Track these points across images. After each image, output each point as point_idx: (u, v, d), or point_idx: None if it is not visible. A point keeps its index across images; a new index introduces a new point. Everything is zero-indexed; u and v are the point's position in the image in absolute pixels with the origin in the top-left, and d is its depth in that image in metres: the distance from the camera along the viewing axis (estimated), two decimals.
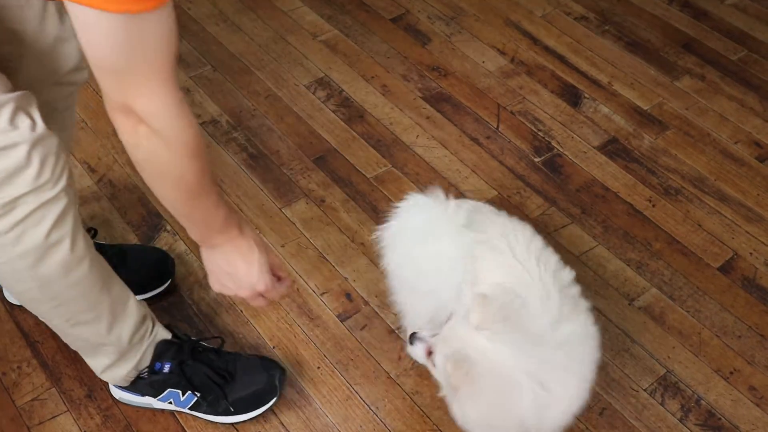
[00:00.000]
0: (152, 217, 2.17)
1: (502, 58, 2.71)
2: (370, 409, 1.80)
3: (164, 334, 1.72)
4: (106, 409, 1.78)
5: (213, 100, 2.52)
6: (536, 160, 2.38)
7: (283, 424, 1.77)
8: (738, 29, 2.84)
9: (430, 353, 1.51)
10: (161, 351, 1.69)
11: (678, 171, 2.35)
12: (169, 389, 1.71)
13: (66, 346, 1.88)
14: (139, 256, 1.98)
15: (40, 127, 1.34)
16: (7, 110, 1.30)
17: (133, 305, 1.65)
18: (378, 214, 2.20)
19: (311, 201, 2.23)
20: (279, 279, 1.53)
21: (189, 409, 1.74)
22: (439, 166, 2.35)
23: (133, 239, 2.12)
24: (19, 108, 1.33)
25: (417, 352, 1.54)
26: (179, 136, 1.22)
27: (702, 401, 1.84)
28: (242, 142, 2.39)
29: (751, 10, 2.92)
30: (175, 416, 1.78)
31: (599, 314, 1.98)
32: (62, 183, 1.38)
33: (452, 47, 2.74)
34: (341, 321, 1.96)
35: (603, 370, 1.88)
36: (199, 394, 1.71)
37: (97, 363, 1.69)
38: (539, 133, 2.46)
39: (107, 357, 1.66)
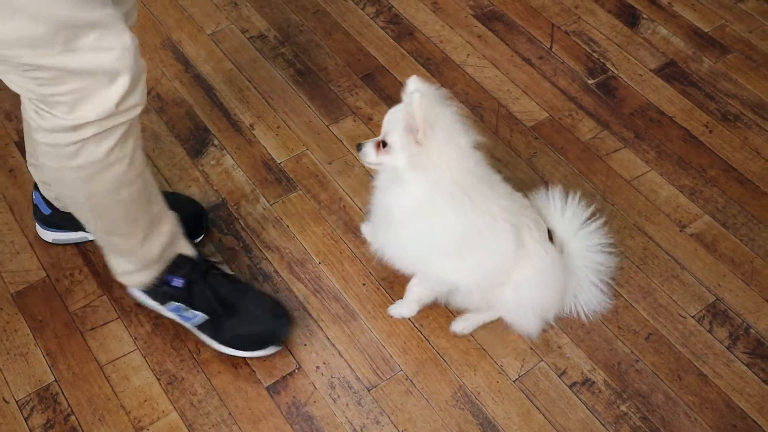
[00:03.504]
0: (200, 131, 2.17)
1: None
2: (415, 326, 1.81)
3: (186, 249, 1.69)
4: (156, 317, 1.82)
5: (261, 14, 2.48)
6: (590, 82, 2.32)
7: (328, 338, 1.79)
8: None
9: (379, 146, 1.58)
10: (177, 265, 1.68)
11: (738, 96, 2.27)
12: (175, 303, 1.71)
13: None
14: (175, 206, 1.75)
15: (133, 49, 1.28)
16: (90, 34, 1.24)
17: (168, 224, 1.64)
18: None
19: (359, 119, 2.21)
20: None
21: (195, 327, 1.74)
22: (489, 86, 2.30)
23: (180, 153, 2.12)
24: (119, 30, 1.26)
25: (368, 151, 1.60)
26: None
27: (751, 330, 1.81)
28: (290, 58, 2.36)
29: None
30: None
31: (649, 240, 1.95)
32: (137, 111, 1.35)
33: None
34: None
35: (650, 295, 1.86)
36: (207, 317, 1.70)
37: (118, 266, 1.69)
38: (594, 54, 2.39)
39: (131, 264, 1.66)
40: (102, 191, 1.44)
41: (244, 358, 1.75)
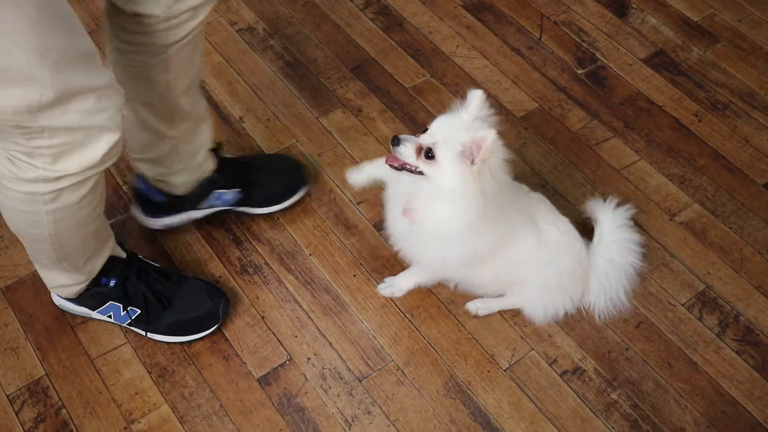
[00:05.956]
0: None
1: None
2: (405, 316, 1.82)
3: (116, 251, 1.72)
4: None
5: (249, 6, 2.47)
6: (579, 72, 2.32)
7: (319, 330, 1.79)
8: None
9: (420, 151, 1.46)
10: (110, 267, 1.70)
11: (727, 85, 2.28)
12: (110, 302, 1.73)
13: None
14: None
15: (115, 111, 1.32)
16: (90, 97, 1.27)
17: (111, 242, 1.68)
18: (416, 124, 2.17)
19: (348, 110, 2.21)
20: None
21: (128, 324, 1.75)
22: (479, 77, 2.30)
23: None
24: (103, 94, 1.30)
25: (408, 151, 1.47)
26: None
27: (741, 317, 1.82)
28: (279, 50, 2.36)
29: None
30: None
31: (639, 228, 1.95)
32: (114, 160, 1.39)
33: None
34: (377, 230, 1.95)
35: (640, 283, 1.86)
36: (139, 311, 1.72)
37: (52, 280, 1.70)
38: (583, 44, 2.39)
39: (69, 278, 1.67)
40: (68, 228, 1.48)
41: (184, 343, 1.76)
